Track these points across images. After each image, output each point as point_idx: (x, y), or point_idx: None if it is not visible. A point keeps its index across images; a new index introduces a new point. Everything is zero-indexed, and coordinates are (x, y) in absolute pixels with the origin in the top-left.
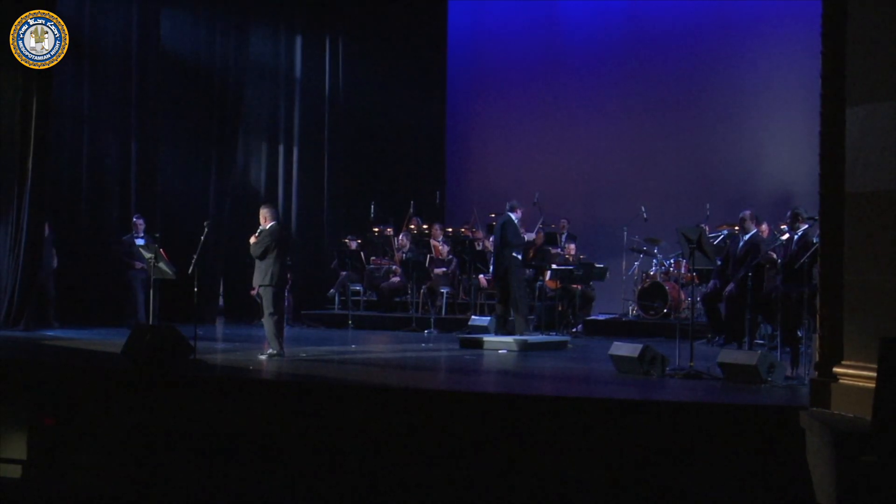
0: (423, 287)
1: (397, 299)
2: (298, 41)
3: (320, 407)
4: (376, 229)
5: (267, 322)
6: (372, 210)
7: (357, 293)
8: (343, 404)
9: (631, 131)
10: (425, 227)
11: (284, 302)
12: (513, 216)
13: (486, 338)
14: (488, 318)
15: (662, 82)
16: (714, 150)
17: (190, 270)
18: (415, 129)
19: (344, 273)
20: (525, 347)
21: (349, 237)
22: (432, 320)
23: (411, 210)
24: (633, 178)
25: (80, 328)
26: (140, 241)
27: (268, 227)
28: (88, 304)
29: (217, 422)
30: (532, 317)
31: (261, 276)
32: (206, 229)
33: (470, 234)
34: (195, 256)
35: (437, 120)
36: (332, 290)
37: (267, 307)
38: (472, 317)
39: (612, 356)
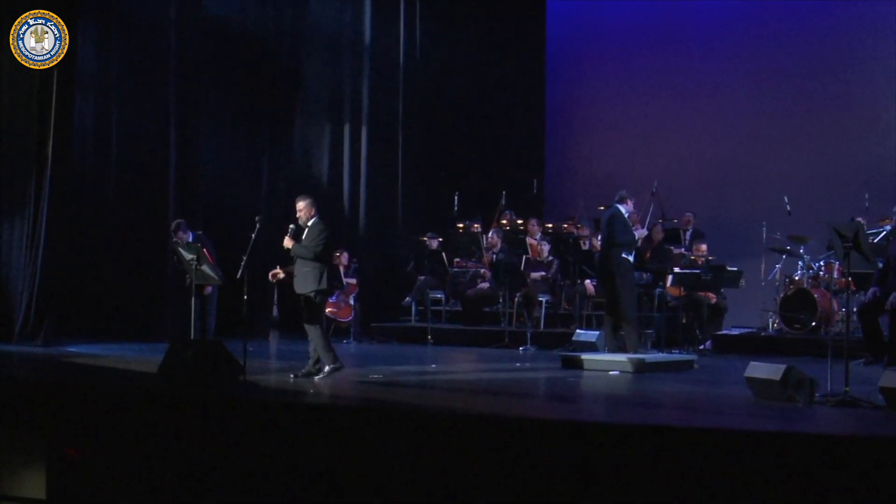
0: (518, 295)
1: (486, 309)
2: (367, 1)
3: (394, 438)
4: (461, 225)
5: (316, 335)
6: (456, 203)
7: (437, 302)
8: (422, 434)
9: (768, 108)
10: (520, 222)
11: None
12: (622, 209)
13: (594, 356)
14: (596, 332)
15: (804, 49)
16: (872, 127)
17: (238, 275)
18: (508, 105)
19: (422, 278)
20: (641, 368)
21: (428, 235)
22: (528, 335)
23: (503, 202)
24: (773, 163)
25: (107, 342)
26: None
27: (311, 221)
28: (119, 314)
29: (270, 454)
30: (649, 331)
31: (310, 282)
32: (257, 226)
33: (574, 230)
34: (244, 258)
35: (535, 95)
36: (407, 299)
37: (316, 318)
38: (577, 331)
39: (748, 379)
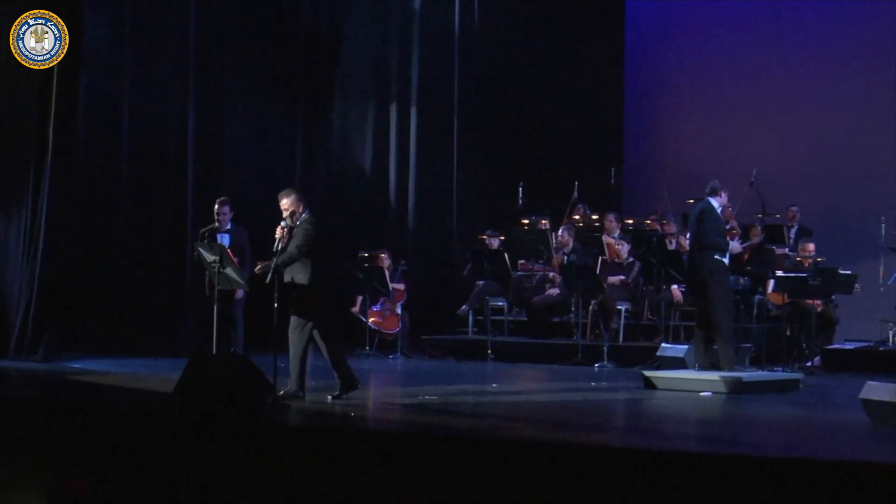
0: (593, 303)
1: (556, 319)
2: None
3: (448, 470)
4: (526, 222)
5: (294, 340)
6: (520, 195)
7: (499, 311)
8: (481, 467)
9: (886, 88)
10: (595, 217)
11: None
12: (714, 202)
13: (683, 374)
14: (685, 346)
15: None
16: None
17: (268, 279)
18: (580, 84)
19: (481, 283)
20: (738, 388)
21: (488, 233)
22: (605, 349)
23: (575, 195)
24: (892, 150)
25: (116, 358)
26: (225, 239)
27: (303, 215)
28: (130, 325)
29: (303, 487)
30: (747, 345)
31: (300, 274)
32: (310, 224)
33: (658, 227)
34: (275, 261)
35: (613, 74)
36: (464, 307)
37: (304, 316)
38: (663, 345)
39: (863, 401)
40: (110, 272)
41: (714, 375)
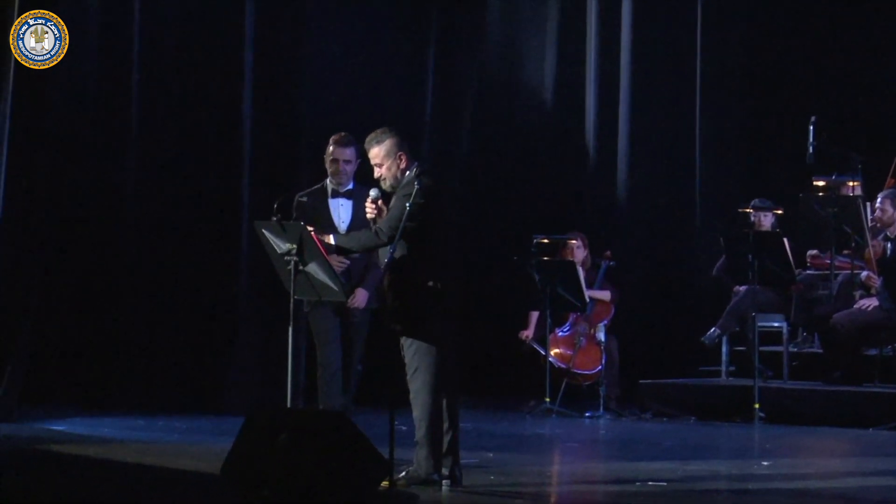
0: None
1: (872, 352)
2: None
3: None
4: (820, 184)
5: (419, 386)
6: (810, 141)
7: (774, 336)
8: None
9: None
10: None
11: None
12: None
13: None
14: None
15: None
16: None
17: (385, 281)
18: None
19: (741, 289)
20: None
21: (755, 204)
22: None
23: None
24: None
25: (121, 416)
26: (345, 209)
27: (407, 174)
28: (144, 365)
29: None
30: None
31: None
32: (417, 188)
33: None
34: (391, 254)
35: None
36: (712, 332)
37: (413, 360)
38: None
39: None
40: (105, 281)
41: None
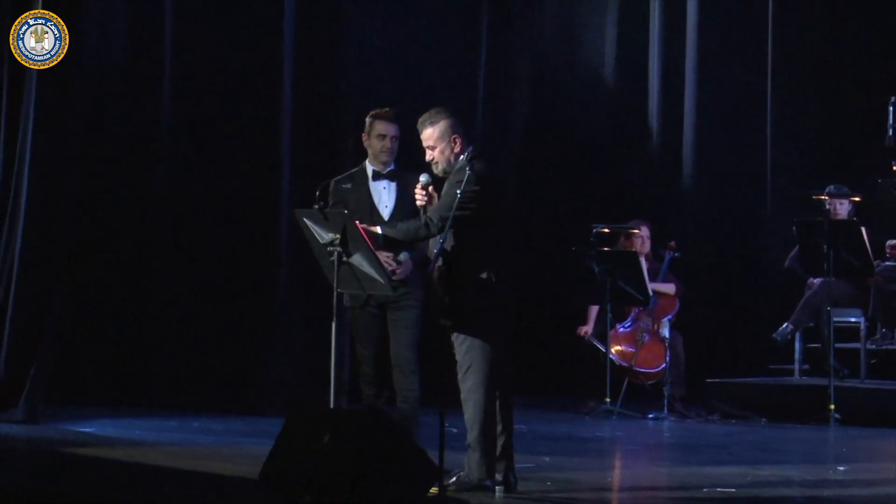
0: None
1: None
2: None
3: None
4: None
5: (471, 386)
6: (890, 121)
7: (851, 332)
8: None
9: None
10: None
11: None
12: None
13: None
14: None
15: None
16: None
17: (435, 274)
18: None
19: (816, 282)
20: None
21: (831, 190)
22: None
23: None
24: None
25: (146, 417)
26: (388, 192)
27: (461, 158)
28: (170, 360)
29: None
30: None
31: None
32: (468, 174)
33: None
34: (441, 244)
35: None
36: (784, 328)
37: (465, 357)
38: None
39: None
40: (135, 274)
41: None
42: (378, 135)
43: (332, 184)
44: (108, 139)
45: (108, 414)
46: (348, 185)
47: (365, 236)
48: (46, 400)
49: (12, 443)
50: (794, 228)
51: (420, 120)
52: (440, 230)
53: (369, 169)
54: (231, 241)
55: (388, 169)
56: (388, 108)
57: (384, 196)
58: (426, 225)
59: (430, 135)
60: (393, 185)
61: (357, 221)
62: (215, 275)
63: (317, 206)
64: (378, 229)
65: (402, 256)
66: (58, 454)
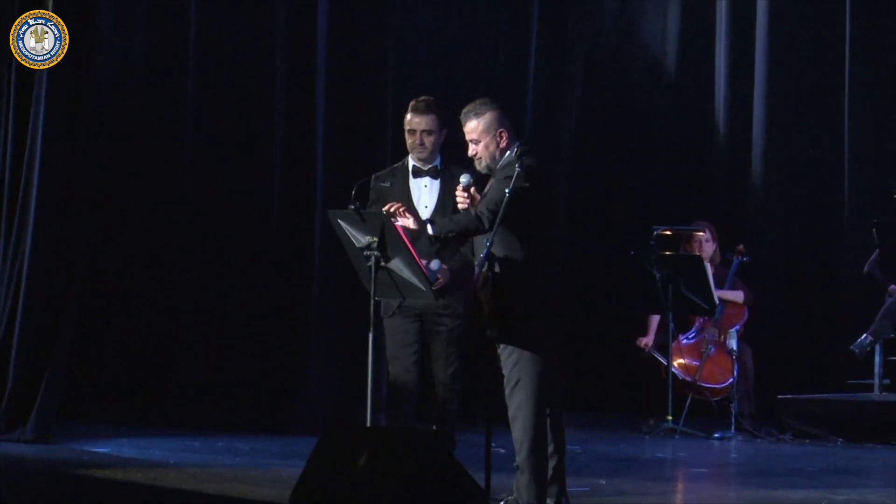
0: None
1: None
2: None
3: None
4: None
5: (519, 405)
6: None
7: None
8: None
9: None
10: None
11: None
12: None
13: None
14: None
15: None
16: None
17: (480, 282)
18: None
19: None
20: None
21: None
22: None
23: None
24: None
25: (166, 436)
26: (430, 190)
27: (507, 154)
28: (193, 376)
29: None
30: None
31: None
32: (519, 170)
33: None
34: (488, 247)
35: None
36: (863, 339)
37: (513, 371)
38: None
39: None
40: (156, 282)
41: None
42: (408, 129)
43: (372, 180)
44: (129, 139)
45: (125, 433)
46: (387, 183)
47: (405, 239)
48: (59, 417)
49: (22, 464)
50: (873, 230)
51: (464, 111)
52: (490, 226)
53: (410, 164)
54: (260, 247)
55: (431, 165)
56: (422, 98)
57: (424, 194)
58: (478, 218)
59: (475, 127)
60: (435, 182)
61: (395, 222)
62: (244, 281)
63: (352, 207)
64: (429, 228)
65: (434, 265)
66: (71, 476)
